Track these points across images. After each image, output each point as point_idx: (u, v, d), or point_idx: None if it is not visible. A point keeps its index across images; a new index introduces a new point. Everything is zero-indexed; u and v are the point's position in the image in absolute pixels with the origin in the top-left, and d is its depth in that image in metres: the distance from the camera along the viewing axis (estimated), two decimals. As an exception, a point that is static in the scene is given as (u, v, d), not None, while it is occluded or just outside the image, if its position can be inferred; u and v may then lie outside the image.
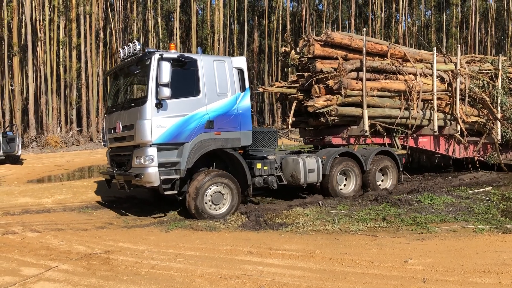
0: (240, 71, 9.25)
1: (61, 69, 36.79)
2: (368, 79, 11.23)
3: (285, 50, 12.17)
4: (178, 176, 8.34)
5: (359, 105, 11.16)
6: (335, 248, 6.26)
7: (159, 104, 8.09)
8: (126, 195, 10.91)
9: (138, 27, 46.50)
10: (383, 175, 11.46)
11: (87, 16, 37.11)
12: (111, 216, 9.30)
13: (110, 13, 43.41)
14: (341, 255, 5.84)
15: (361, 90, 11.06)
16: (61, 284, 5.02)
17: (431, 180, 12.81)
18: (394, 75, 11.82)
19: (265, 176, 9.62)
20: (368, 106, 11.21)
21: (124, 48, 9.23)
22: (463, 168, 14.15)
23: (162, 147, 8.22)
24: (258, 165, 9.52)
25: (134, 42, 8.95)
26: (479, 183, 11.98)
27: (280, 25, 50.68)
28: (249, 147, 9.55)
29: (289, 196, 10.79)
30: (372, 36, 49.90)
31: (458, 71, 12.67)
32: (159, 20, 47.71)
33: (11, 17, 32.67)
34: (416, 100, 11.83)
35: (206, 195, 8.55)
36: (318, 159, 10.21)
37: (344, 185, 10.82)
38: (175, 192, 8.44)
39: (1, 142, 18.08)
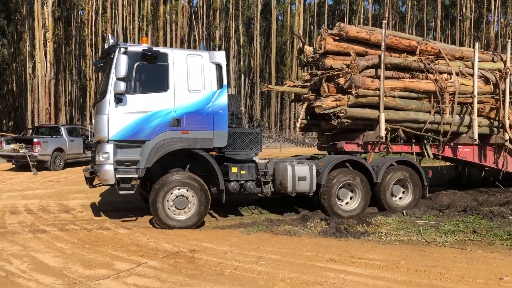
0: (218, 67, 8.47)
1: (148, 75, 38.90)
2: (389, 78, 9.88)
3: (299, 47, 11.04)
4: (137, 175, 7.88)
5: (377, 106, 9.74)
6: (421, 260, 6.00)
7: (119, 99, 7.73)
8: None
9: (220, 34, 47.97)
10: (403, 191, 9.91)
11: (173, 25, 39.00)
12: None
13: (194, 21, 45.25)
14: (428, 268, 5.59)
15: (378, 89, 9.62)
16: (151, 279, 5.29)
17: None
18: (423, 74, 10.19)
19: (242, 182, 8.74)
20: (388, 108, 9.83)
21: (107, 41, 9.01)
22: None
23: (121, 144, 7.85)
24: (234, 169, 8.66)
25: (109, 36, 8.73)
26: None
27: (361, 28, 49.66)
28: (224, 149, 8.79)
29: (288, 210, 9.88)
30: (459, 38, 47.56)
31: (508, 70, 10.82)
32: (240, 27, 48.90)
33: (105, 27, 35.25)
34: (449, 103, 10.18)
35: (167, 199, 8.02)
36: (312, 166, 9.04)
37: (351, 198, 9.40)
38: (132, 192, 7.99)
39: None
